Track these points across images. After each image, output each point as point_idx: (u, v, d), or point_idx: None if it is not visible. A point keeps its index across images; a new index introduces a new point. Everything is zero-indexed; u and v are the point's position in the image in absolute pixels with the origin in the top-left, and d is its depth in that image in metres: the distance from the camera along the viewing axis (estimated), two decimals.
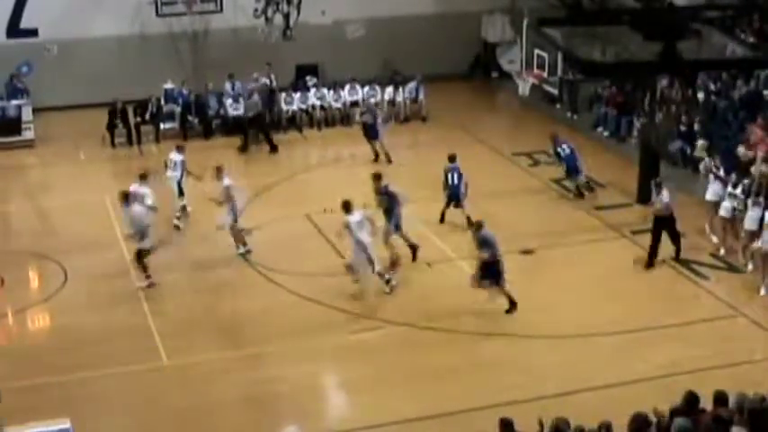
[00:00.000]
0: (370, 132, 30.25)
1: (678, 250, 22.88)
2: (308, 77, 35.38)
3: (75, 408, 17.42)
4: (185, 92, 33.20)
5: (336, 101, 34.03)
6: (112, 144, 31.86)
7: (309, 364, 18.97)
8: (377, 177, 23.07)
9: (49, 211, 26.76)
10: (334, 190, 27.38)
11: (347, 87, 34.32)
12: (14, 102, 32.44)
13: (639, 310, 20.99)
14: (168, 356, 19.38)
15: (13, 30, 34.75)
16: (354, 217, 21.23)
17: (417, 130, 33.53)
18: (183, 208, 25.55)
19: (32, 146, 31.94)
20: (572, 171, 27.02)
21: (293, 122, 33.57)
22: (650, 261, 22.66)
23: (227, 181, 23.30)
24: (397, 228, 22.61)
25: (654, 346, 19.40)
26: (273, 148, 31.32)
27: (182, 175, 25.60)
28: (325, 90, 34.17)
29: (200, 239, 24.41)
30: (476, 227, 20.88)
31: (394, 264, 22.18)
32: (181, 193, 25.60)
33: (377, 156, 29.97)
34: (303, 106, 33.92)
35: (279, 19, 34.68)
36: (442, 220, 24.71)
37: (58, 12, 34.48)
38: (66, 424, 16.89)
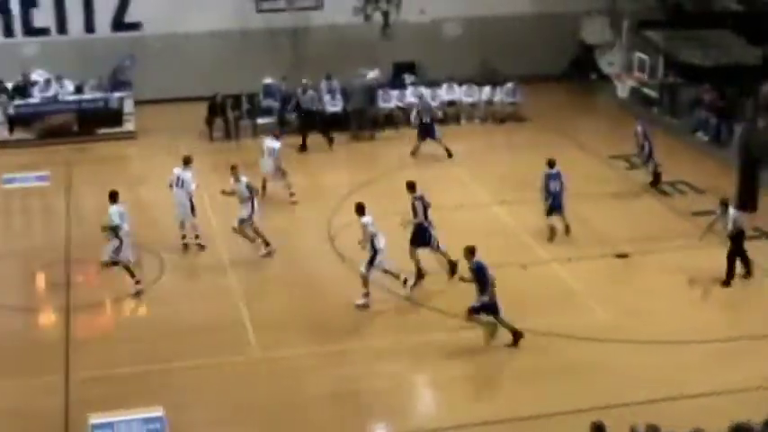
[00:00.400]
0: (429, 131, 30.41)
1: (730, 272, 22.09)
2: (405, 75, 35.48)
3: (167, 397, 17.75)
4: (284, 87, 33.49)
5: (433, 99, 34.05)
6: (211, 137, 32.30)
7: (399, 362, 19.00)
8: (411, 187, 22.49)
9: (147, 203, 27.14)
10: (428, 188, 27.47)
11: (444, 86, 34.36)
12: (117, 94, 33.04)
13: (734, 319, 20.71)
14: (260, 350, 19.58)
15: (118, 23, 35.44)
16: (369, 219, 21.16)
17: (513, 130, 33.41)
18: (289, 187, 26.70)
19: (133, 137, 32.53)
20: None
21: (390, 120, 33.64)
22: (747, 271, 22.24)
23: (244, 179, 23.42)
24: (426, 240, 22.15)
25: (747, 356, 19.08)
26: (304, 148, 31.34)
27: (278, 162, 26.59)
28: (422, 88, 34.21)
29: (294, 234, 24.64)
30: (466, 253, 19.54)
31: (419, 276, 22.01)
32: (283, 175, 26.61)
33: (449, 152, 30.23)
34: (400, 104, 34.01)
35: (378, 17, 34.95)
36: (552, 238, 24.16)
37: (162, 6, 35.11)
38: (159, 412, 17.26)
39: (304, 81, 32.20)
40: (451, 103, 34.25)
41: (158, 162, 29.53)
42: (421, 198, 22.18)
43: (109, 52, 33.97)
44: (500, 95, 34.41)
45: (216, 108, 32.42)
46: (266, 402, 17.85)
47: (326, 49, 34.87)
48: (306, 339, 20.03)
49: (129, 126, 32.82)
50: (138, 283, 21.82)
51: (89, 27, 35.46)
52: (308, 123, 31.65)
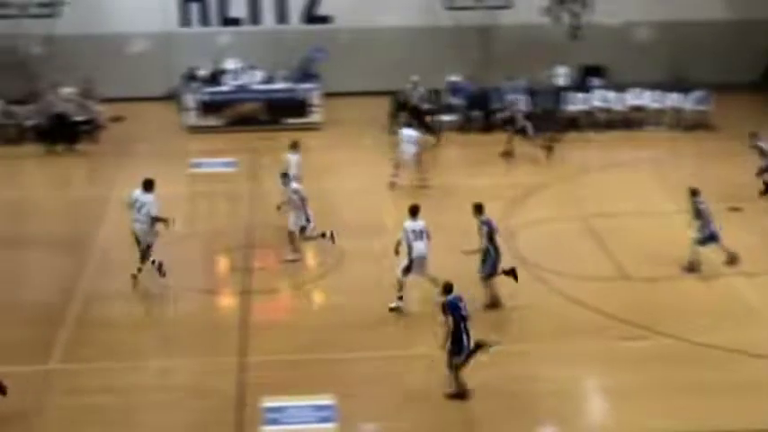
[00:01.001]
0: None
1: None
2: (592, 78, 35.06)
3: (339, 386, 17.95)
4: (469, 85, 33.54)
5: (620, 103, 33.57)
6: (394, 132, 32.50)
7: (569, 367, 18.78)
8: (478, 209, 21.23)
9: (329, 193, 27.55)
10: (610, 194, 27.18)
11: (632, 91, 33.82)
12: (305, 85, 33.60)
13: None
14: (432, 345, 19.60)
15: (310, 16, 36.05)
16: (416, 224, 20.71)
17: (701, 139, 32.60)
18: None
19: (318, 128, 32.99)
20: None
21: (574, 123, 33.31)
22: None
23: (294, 185, 23.07)
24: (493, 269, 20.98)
25: None
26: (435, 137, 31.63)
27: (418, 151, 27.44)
28: (608, 92, 33.76)
29: (472, 232, 24.59)
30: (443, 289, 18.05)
31: (494, 305, 21.10)
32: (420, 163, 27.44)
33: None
34: (585, 107, 33.64)
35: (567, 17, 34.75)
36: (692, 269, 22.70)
37: (353, 1, 35.52)
38: (330, 400, 17.48)
39: (414, 79, 32.26)
40: (638, 109, 33.69)
41: (341, 153, 29.94)
42: (488, 222, 21.14)
43: (299, 44, 34.59)
44: (689, 102, 33.69)
45: (400, 103, 32.65)
46: (433, 397, 17.86)
47: (514, 48, 34.74)
48: (480, 337, 19.93)
49: (315, 117, 33.33)
50: (140, 271, 21.95)
51: (281, 18, 36.20)
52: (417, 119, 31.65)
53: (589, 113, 33.52)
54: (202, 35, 35.79)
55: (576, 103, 33.55)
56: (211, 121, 32.97)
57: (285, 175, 23.19)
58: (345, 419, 17.16)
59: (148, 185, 21.97)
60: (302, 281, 22.59)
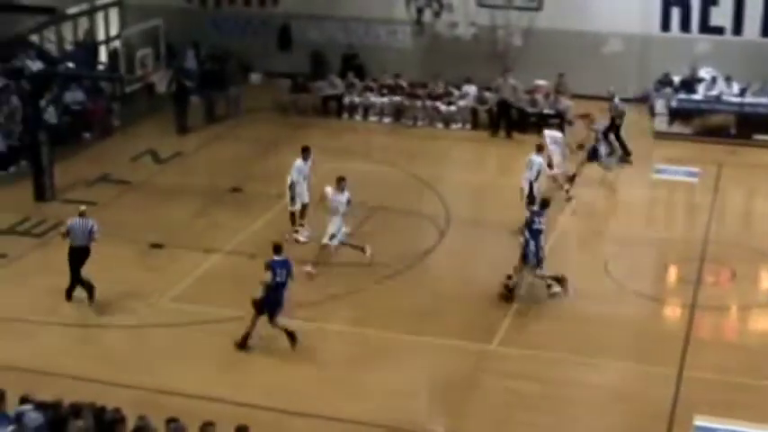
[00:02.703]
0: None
1: None
2: None
3: None
4: None
5: None
6: None
7: None
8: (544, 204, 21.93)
9: None
10: None
11: None
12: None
13: None
14: None
15: None
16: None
17: None
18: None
19: None
20: None
21: None
22: None
23: (347, 194, 22.56)
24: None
25: None
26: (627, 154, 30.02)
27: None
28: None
29: None
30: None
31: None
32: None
33: None
34: None
35: None
36: None
37: None
38: None
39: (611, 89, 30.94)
40: None
41: None
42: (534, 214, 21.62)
43: (761, 57, 33.28)
44: None
45: None
46: None
47: None
48: None
49: None
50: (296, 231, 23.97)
51: (766, 31, 34.89)
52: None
53: None
54: (680, 41, 35.15)
55: None
56: (680, 128, 32.43)
57: (342, 180, 22.80)
58: None
59: (304, 151, 24.43)
60: (753, 302, 21.81)
